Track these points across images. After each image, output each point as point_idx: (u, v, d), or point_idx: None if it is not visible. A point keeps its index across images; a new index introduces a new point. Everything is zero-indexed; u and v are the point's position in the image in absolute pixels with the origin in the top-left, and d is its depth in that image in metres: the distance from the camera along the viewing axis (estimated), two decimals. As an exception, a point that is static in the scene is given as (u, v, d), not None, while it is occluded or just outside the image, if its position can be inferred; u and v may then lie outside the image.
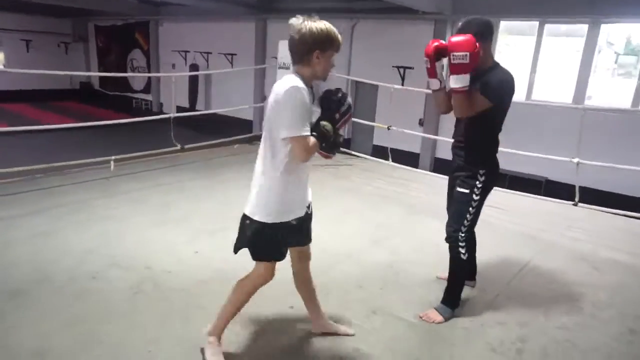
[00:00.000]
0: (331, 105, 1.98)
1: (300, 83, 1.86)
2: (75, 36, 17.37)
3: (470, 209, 2.54)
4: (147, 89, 15.55)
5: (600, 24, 8.00)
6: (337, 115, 1.97)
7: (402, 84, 9.66)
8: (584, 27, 8.13)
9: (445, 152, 9.88)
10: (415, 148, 9.89)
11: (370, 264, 3.28)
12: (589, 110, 4.55)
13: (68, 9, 14.03)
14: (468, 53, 2.26)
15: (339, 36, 1.96)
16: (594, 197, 5.07)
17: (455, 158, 2.65)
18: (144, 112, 14.89)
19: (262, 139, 1.99)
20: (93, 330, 2.35)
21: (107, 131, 8.50)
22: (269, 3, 11.58)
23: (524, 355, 2.34)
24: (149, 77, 15.04)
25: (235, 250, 2.15)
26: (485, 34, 2.41)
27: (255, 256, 2.09)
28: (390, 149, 6.52)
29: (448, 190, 2.76)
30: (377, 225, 4.01)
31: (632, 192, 7.00)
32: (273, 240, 2.04)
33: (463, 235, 2.56)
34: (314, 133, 1.90)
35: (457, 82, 2.33)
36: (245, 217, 2.08)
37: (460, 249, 2.58)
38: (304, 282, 2.33)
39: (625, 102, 7.85)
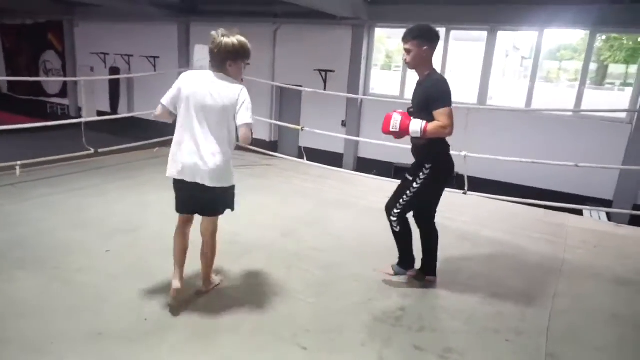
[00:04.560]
0: None
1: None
2: (-23, 36, 16.14)
3: (408, 192, 2.90)
4: (63, 93, 14.80)
5: (497, 30, 8.87)
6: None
7: (325, 87, 10.06)
8: (484, 34, 8.98)
9: (367, 152, 10.43)
10: (339, 148, 10.32)
11: (278, 252, 3.54)
12: (472, 109, 5.10)
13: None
14: (396, 128, 2.76)
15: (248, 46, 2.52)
16: (485, 185, 5.70)
17: (413, 155, 2.99)
18: (61, 117, 14.16)
19: (215, 122, 2.50)
20: (-6, 328, 2.40)
21: (16, 137, 8.08)
22: (191, 6, 11.53)
23: (402, 321, 2.70)
24: (65, 81, 14.32)
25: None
26: (423, 38, 2.71)
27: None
28: (312, 149, 6.83)
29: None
30: (289, 218, 4.28)
31: (515, 180, 7.95)
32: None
33: (396, 212, 2.94)
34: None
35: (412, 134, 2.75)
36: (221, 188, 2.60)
37: (392, 223, 2.98)
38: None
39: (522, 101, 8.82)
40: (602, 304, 3.05)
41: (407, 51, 2.76)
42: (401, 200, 2.93)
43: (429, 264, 3.13)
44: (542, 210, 4.96)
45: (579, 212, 5.67)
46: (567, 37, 12.73)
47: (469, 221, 4.46)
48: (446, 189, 5.18)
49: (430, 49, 2.75)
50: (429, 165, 2.84)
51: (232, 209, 2.78)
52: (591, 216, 6.96)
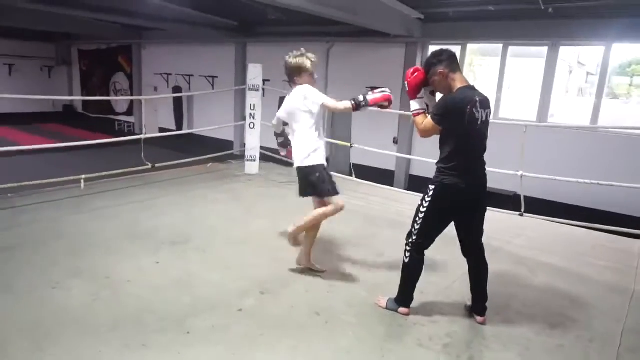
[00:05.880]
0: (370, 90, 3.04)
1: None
2: (59, 60, 17.64)
3: (417, 218, 2.75)
4: (129, 112, 15.76)
5: (559, 46, 8.46)
6: (370, 94, 3.01)
7: (377, 105, 10.02)
8: (545, 49, 8.59)
9: (420, 170, 10.21)
10: (391, 166, 10.18)
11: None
12: (529, 127, 4.82)
13: (51, 33, 14.31)
14: (406, 82, 2.77)
15: (308, 62, 3.16)
16: (545, 207, 5.38)
17: None
18: (127, 134, 15.06)
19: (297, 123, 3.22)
20: (48, 334, 2.51)
21: (84, 152, 8.68)
22: (248, 28, 11.97)
23: (448, 349, 2.54)
24: (132, 100, 15.26)
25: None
26: (435, 63, 2.66)
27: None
28: (364, 166, 6.76)
29: None
30: (334, 236, 4.22)
31: (578, 202, 7.44)
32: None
33: (412, 240, 2.77)
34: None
35: (410, 107, 2.78)
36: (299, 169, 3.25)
37: (406, 252, 2.81)
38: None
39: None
40: (679, 343, 2.73)
41: (433, 83, 2.73)
42: (415, 225, 2.75)
43: (478, 302, 2.86)
44: (606, 235, 4.57)
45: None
46: (637, 52, 11.91)
47: (525, 245, 4.19)
48: (502, 210, 4.98)
49: (446, 69, 2.63)
50: (432, 187, 2.70)
51: (318, 195, 3.26)
52: (668, 244, 6.33)
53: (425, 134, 2.72)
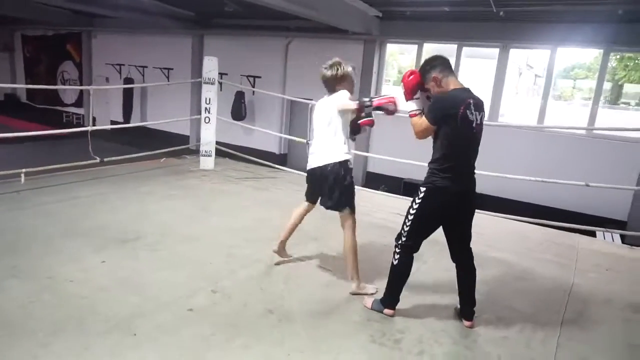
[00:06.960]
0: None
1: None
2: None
3: (407, 219, 2.73)
4: (78, 103, 15.04)
5: (510, 48, 8.79)
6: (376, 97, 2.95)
7: (335, 101, 10.04)
8: (496, 51, 8.90)
9: (376, 167, 10.35)
10: (348, 162, 10.24)
11: (276, 267, 3.45)
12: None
13: (-9, 16, 13.38)
14: (402, 84, 2.76)
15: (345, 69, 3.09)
16: (494, 203, 5.59)
17: None
18: (75, 127, 14.35)
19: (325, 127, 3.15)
20: (-21, 339, 2.34)
21: (26, 145, 8.19)
22: (206, 19, 11.68)
23: (401, 344, 2.58)
24: (81, 91, 14.54)
25: None
26: (429, 69, 2.64)
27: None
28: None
29: None
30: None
31: (525, 198, 7.80)
32: None
33: (401, 242, 2.74)
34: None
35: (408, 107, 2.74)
36: None
37: (394, 254, 2.78)
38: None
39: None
40: (613, 333, 2.90)
41: (429, 89, 2.70)
42: (405, 227, 2.74)
43: (466, 306, 2.85)
44: (552, 230, 4.81)
45: (592, 234, 5.49)
46: (580, 56, 12.61)
47: (474, 240, 4.28)
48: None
49: (440, 74, 2.61)
50: (424, 189, 2.68)
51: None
52: (604, 238, 6.73)
53: (422, 134, 2.66)
